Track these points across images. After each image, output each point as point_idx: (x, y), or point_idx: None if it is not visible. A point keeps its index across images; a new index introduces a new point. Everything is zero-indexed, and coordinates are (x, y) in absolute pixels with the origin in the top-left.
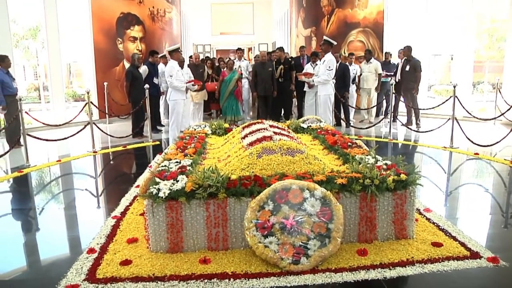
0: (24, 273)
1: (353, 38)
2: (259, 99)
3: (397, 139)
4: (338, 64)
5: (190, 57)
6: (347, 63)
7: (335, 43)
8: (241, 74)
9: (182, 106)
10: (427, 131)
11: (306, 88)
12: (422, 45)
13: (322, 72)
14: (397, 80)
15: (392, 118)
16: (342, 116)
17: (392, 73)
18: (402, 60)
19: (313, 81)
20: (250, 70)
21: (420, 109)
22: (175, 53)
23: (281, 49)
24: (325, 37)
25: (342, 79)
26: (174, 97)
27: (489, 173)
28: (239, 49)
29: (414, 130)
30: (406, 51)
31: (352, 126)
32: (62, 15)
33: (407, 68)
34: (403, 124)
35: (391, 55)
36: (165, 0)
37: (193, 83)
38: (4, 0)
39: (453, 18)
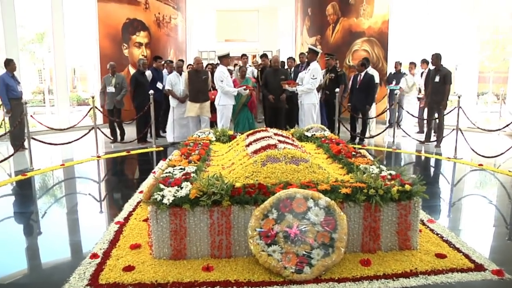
0: (27, 277)
1: (357, 47)
2: (268, 111)
3: (400, 149)
4: (363, 74)
5: (189, 65)
6: (372, 74)
7: (320, 51)
8: (256, 82)
9: (231, 111)
10: (431, 142)
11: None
12: (426, 55)
13: (307, 81)
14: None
15: (395, 128)
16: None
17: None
18: (426, 70)
19: (296, 90)
20: (255, 77)
21: (426, 119)
22: (225, 59)
23: (264, 55)
24: (310, 46)
25: (366, 92)
26: (223, 102)
27: (493, 185)
28: (243, 55)
29: (422, 142)
30: (435, 59)
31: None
32: (69, 20)
33: (437, 78)
34: (421, 142)
35: (400, 64)
36: (171, 6)
37: (244, 87)
38: (12, 5)
39: (458, 28)
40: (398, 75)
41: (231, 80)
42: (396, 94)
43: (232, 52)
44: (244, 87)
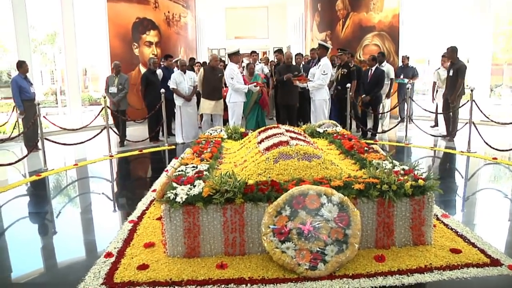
0: (43, 276)
1: (368, 41)
2: (280, 108)
3: (413, 144)
4: (374, 69)
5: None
6: (383, 68)
7: (330, 47)
8: (265, 78)
9: (242, 108)
10: (444, 136)
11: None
12: (438, 48)
13: (317, 76)
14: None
15: (407, 122)
16: (369, 126)
17: (410, 77)
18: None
19: (307, 86)
20: (266, 72)
21: (438, 113)
22: (235, 56)
23: (279, 51)
24: (320, 41)
25: (375, 86)
26: (234, 99)
27: (508, 178)
28: (253, 52)
29: (438, 136)
30: (450, 53)
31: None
32: (79, 20)
33: (451, 72)
34: (442, 137)
35: (408, 58)
36: (181, 5)
37: (255, 84)
38: (24, 6)
39: (470, 20)
40: (405, 69)
41: (241, 77)
42: (408, 88)
43: (242, 49)
44: (255, 83)
